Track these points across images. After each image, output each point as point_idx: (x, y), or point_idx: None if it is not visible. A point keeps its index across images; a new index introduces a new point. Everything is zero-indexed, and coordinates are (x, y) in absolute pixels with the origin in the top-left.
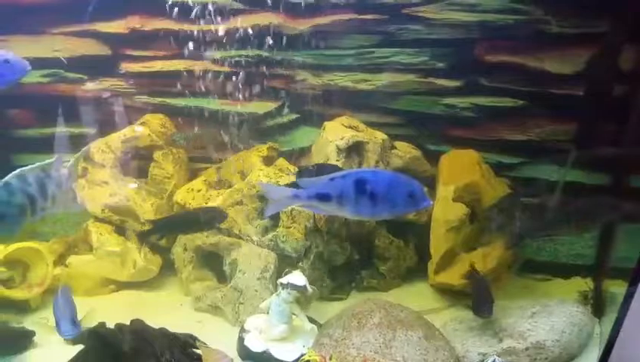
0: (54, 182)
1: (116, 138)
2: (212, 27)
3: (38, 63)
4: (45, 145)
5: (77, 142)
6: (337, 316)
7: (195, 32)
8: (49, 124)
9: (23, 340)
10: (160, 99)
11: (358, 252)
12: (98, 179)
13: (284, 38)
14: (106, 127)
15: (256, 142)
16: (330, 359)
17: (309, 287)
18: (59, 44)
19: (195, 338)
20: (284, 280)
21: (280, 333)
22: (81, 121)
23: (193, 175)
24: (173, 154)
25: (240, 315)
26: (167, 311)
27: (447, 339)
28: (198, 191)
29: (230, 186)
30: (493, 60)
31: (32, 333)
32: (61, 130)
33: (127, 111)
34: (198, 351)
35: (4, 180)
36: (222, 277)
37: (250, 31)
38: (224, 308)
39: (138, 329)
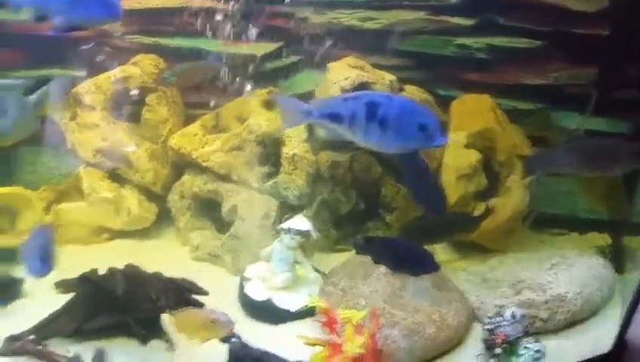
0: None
1: (105, 78)
2: None
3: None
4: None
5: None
6: (342, 265)
7: None
8: (37, 66)
9: (11, 288)
10: (153, 39)
11: (363, 201)
12: (88, 122)
13: None
14: (95, 69)
15: (255, 86)
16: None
17: (312, 232)
18: None
19: (192, 284)
20: (285, 225)
21: (283, 281)
22: (68, 63)
23: (189, 122)
24: (167, 97)
25: (240, 264)
26: (164, 260)
27: (459, 290)
28: (195, 135)
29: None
30: None
31: (20, 281)
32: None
33: (117, 52)
34: (195, 297)
35: None
36: (220, 226)
37: None
38: (223, 256)
39: (132, 273)
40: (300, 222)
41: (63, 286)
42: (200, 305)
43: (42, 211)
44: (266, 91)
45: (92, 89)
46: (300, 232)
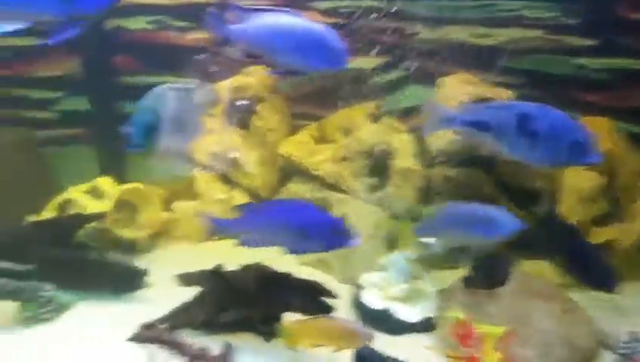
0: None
1: (224, 86)
2: None
3: (144, 9)
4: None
5: None
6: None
7: None
8: (152, 72)
9: (136, 279)
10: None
11: None
12: (207, 128)
13: None
14: (207, 77)
15: (362, 99)
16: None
17: (436, 246)
18: None
19: (323, 287)
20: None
21: (400, 292)
22: (182, 70)
23: (293, 131)
24: (276, 106)
25: (349, 272)
26: (271, 262)
27: (588, 314)
28: (305, 144)
29: (332, 142)
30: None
31: (144, 272)
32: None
33: (228, 62)
34: (328, 302)
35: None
36: None
37: None
38: (333, 262)
39: (265, 272)
40: None
41: (184, 279)
42: (329, 310)
43: (160, 207)
44: (372, 104)
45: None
46: (423, 245)
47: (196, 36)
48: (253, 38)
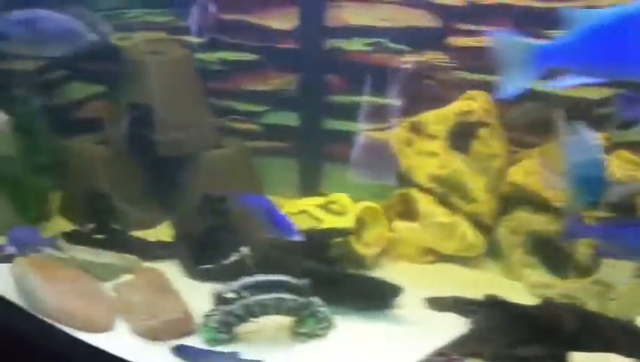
0: None
1: (450, 111)
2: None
3: (363, 31)
4: (351, 113)
5: (381, 114)
6: None
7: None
8: (360, 92)
9: (391, 296)
10: (478, 76)
11: None
12: (426, 150)
13: None
14: (416, 100)
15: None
16: None
17: None
18: (388, 13)
19: None
20: None
21: None
22: (390, 92)
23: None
24: (498, 132)
25: (608, 310)
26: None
27: None
28: (535, 172)
29: (552, 172)
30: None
31: (400, 290)
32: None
33: (442, 86)
34: None
35: None
36: (554, 267)
37: None
38: (585, 299)
39: (575, 310)
40: None
41: (435, 303)
42: None
43: (387, 226)
44: (603, 135)
45: (436, 120)
46: None
47: (411, 59)
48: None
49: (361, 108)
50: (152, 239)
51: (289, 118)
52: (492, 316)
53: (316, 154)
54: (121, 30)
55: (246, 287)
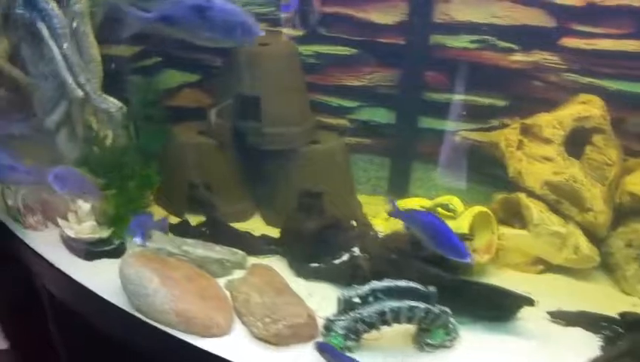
0: None
1: (567, 114)
2: None
3: (470, 28)
4: (447, 112)
5: (482, 114)
6: None
7: None
8: (459, 91)
9: (513, 308)
10: (589, 80)
11: None
12: (540, 155)
13: None
14: (521, 101)
15: None
16: None
17: None
18: (501, 11)
19: None
20: None
21: None
22: (493, 91)
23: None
24: (613, 140)
25: None
26: (600, 305)
27: None
28: None
29: None
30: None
31: (525, 301)
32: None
33: (549, 88)
34: None
35: None
36: None
37: None
38: None
39: None
40: None
41: (560, 317)
42: None
43: (496, 231)
44: None
45: (552, 123)
46: None
47: (520, 58)
48: None
49: (460, 108)
50: (256, 234)
51: (381, 115)
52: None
53: (408, 153)
54: None
55: (374, 292)
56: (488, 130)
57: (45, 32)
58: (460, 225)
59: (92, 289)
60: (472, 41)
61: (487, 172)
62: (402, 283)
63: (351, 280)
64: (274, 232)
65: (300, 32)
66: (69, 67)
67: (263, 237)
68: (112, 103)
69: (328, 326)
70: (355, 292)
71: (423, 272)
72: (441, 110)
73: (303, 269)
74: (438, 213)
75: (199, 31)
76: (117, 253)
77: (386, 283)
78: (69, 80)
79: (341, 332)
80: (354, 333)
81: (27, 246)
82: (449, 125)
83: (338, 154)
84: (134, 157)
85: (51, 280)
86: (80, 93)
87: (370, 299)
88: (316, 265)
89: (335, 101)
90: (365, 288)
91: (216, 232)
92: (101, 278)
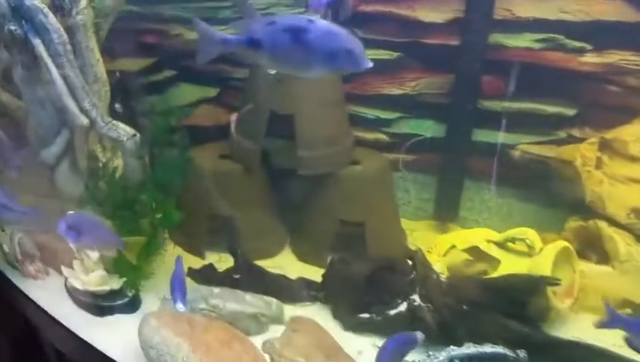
0: None
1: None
2: None
3: (535, 25)
4: (505, 123)
5: (545, 124)
6: None
7: None
8: (519, 98)
9: None
10: None
11: None
12: (625, 175)
13: None
14: (593, 110)
15: None
16: None
17: None
18: (571, 5)
19: None
20: None
21: None
22: (560, 98)
23: None
24: None
25: None
26: None
27: None
28: None
29: None
30: None
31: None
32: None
33: (628, 93)
34: None
35: None
36: None
37: None
38: None
39: None
40: None
41: None
42: None
43: (577, 268)
44: None
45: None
46: None
47: (592, 60)
48: None
49: (520, 118)
50: (292, 277)
51: (426, 127)
52: None
53: (459, 171)
54: None
55: (452, 360)
56: (554, 143)
57: (41, 50)
58: (539, 264)
59: (105, 352)
60: (537, 40)
61: (552, 192)
62: (487, 348)
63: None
64: (309, 271)
65: None
66: (70, 90)
67: (301, 280)
68: (123, 131)
69: None
70: (431, 360)
71: (502, 327)
72: (496, 120)
73: (351, 321)
74: (508, 249)
75: (292, 57)
76: (132, 307)
77: (468, 350)
78: (72, 106)
79: None
80: None
81: (29, 299)
82: (506, 138)
83: (382, 176)
84: (151, 192)
85: (58, 339)
86: (85, 120)
87: None
88: (367, 316)
89: (371, 112)
90: (441, 356)
91: (246, 276)
92: (115, 337)
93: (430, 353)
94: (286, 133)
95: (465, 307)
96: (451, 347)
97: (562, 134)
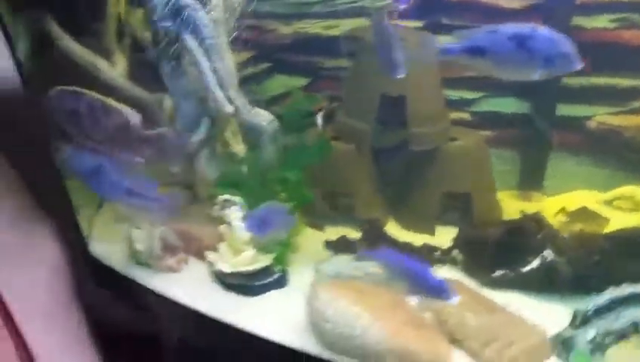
0: None
1: None
2: None
3: (611, 6)
4: (590, 97)
5: (621, 96)
6: None
7: None
8: (604, 73)
9: None
10: None
11: None
12: None
13: None
14: None
15: None
16: None
17: None
18: None
19: None
20: None
21: None
22: (635, 73)
23: None
24: None
25: None
26: None
27: None
28: None
29: None
30: None
31: None
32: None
33: None
34: None
35: None
36: None
37: None
38: None
39: None
40: None
41: None
42: None
43: None
44: None
45: None
46: None
47: None
48: None
49: (597, 91)
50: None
51: (509, 105)
52: None
53: (543, 144)
54: (329, 17)
55: (612, 302)
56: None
57: (193, 45)
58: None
59: (269, 337)
60: (612, 20)
61: (625, 159)
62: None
63: (549, 287)
64: (416, 238)
65: (418, 23)
66: (219, 81)
67: (426, 246)
68: (264, 116)
69: (567, 343)
70: (593, 304)
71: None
72: (576, 95)
73: (487, 279)
74: (615, 207)
75: (514, 63)
76: (281, 282)
77: (630, 289)
78: (220, 95)
79: (586, 348)
80: (599, 350)
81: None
82: (584, 110)
83: (481, 150)
84: (298, 171)
85: (203, 334)
86: (231, 108)
87: (604, 310)
88: (501, 272)
89: (455, 94)
90: (603, 299)
91: (378, 245)
92: (271, 317)
93: (593, 297)
94: (392, 114)
95: (597, 258)
96: (609, 289)
97: (636, 104)
